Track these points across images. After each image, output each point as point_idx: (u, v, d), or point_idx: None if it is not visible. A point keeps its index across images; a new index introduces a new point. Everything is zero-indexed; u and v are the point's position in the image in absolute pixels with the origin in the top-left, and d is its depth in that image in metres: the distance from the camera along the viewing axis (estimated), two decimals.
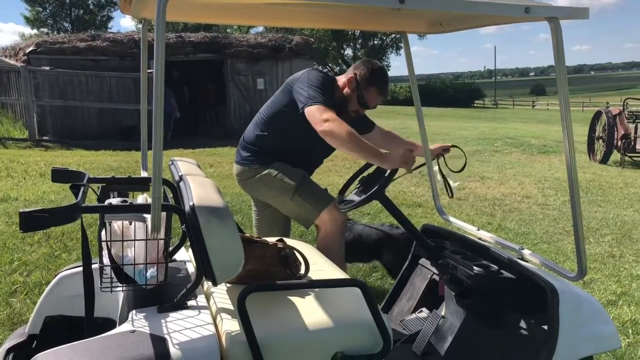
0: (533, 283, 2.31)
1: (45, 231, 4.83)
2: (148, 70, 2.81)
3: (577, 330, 2.22)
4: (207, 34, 16.79)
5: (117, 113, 14.07)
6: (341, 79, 3.12)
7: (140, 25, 2.91)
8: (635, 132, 11.34)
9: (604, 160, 11.78)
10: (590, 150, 12.51)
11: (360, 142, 2.62)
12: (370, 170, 2.91)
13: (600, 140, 12.12)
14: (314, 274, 2.25)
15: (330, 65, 53.42)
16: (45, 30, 51.51)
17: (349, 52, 54.95)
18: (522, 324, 2.38)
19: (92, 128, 14.14)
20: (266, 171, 3.10)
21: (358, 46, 54.39)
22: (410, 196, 7.48)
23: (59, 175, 2.30)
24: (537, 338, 2.29)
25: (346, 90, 3.06)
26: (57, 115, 13.82)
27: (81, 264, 2.09)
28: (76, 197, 2.02)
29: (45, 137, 13.06)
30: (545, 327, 2.25)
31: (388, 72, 3.27)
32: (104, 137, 13.52)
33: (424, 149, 3.19)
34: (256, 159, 3.14)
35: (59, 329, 2.38)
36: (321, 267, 2.37)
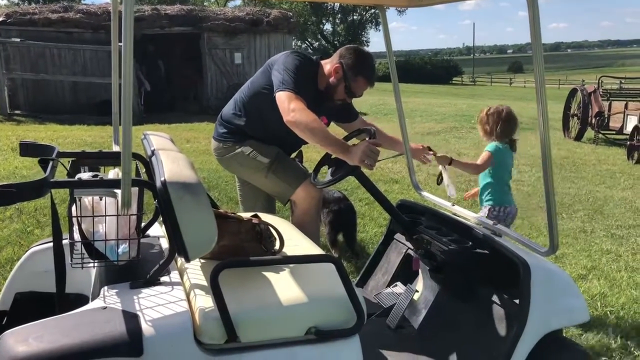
0: (506, 258, 2.34)
1: (17, 207, 4.75)
2: (120, 43, 2.73)
3: (548, 303, 2.27)
4: (184, 6, 16.41)
5: (91, 87, 13.74)
6: (326, 66, 3.04)
7: None
8: (609, 110, 11.50)
9: (578, 138, 11.94)
10: (565, 127, 12.67)
11: (325, 134, 2.57)
12: None
13: (575, 118, 12.26)
14: (288, 250, 2.24)
15: (309, 40, 52.94)
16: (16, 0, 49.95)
17: (328, 26, 54.52)
18: (495, 298, 2.42)
19: (65, 102, 13.79)
20: (240, 149, 3.07)
21: (337, 21, 53.92)
22: (387, 172, 7.50)
23: (28, 149, 2.22)
24: (509, 312, 2.33)
25: (332, 79, 2.99)
26: (29, 89, 13.46)
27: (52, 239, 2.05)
28: (45, 171, 1.97)
29: (17, 111, 12.73)
30: (517, 301, 2.29)
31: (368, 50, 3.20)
32: (77, 112, 13.21)
33: (401, 126, 3.18)
34: (231, 136, 3.11)
35: (29, 305, 2.34)
36: (296, 243, 2.37)
